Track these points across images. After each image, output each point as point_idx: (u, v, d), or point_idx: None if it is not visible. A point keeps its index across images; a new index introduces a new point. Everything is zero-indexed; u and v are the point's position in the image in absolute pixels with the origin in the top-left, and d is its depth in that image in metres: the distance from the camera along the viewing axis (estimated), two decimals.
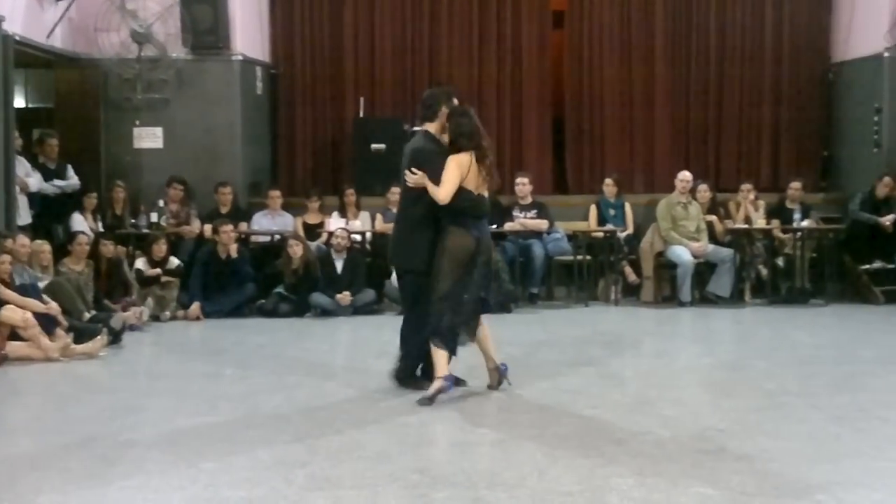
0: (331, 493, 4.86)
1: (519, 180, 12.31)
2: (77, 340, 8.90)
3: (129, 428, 6.31)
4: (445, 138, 6.96)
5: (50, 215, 11.45)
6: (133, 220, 12.10)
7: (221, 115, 12.74)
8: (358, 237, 12.25)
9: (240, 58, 12.82)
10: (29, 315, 8.70)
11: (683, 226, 12.05)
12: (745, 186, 12.72)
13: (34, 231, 10.74)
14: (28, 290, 9.08)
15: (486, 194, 7.01)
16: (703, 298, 12.03)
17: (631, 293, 12.39)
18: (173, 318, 11.16)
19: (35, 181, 11.17)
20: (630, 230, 12.76)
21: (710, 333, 10.69)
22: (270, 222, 12.49)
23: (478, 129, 6.96)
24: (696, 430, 6.02)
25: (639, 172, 14.12)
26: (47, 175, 11.49)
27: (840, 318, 11.25)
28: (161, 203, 12.12)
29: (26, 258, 9.71)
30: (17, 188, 10.78)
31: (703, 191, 12.49)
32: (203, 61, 12.67)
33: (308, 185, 13.52)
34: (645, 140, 14.15)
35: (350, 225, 12.22)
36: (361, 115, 13.64)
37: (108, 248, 10.89)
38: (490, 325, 7.12)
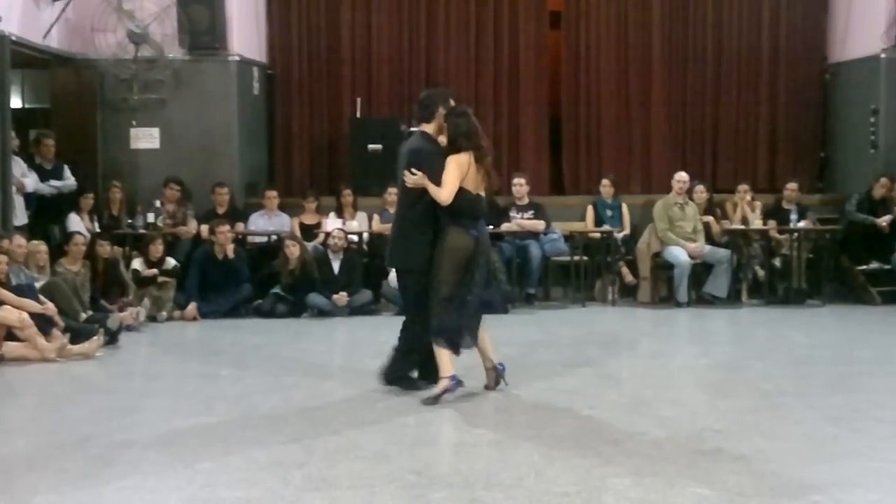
0: (327, 494, 4.86)
1: (516, 181, 12.30)
2: (73, 341, 8.89)
3: (125, 428, 6.30)
4: (443, 139, 6.97)
5: (46, 216, 11.44)
6: (130, 221, 12.09)
7: (218, 116, 12.73)
8: (355, 238, 12.25)
9: (236, 58, 12.82)
10: (25, 315, 8.69)
11: (680, 226, 12.06)
12: (742, 187, 12.72)
13: (31, 231, 10.73)
14: (24, 291, 9.07)
15: (483, 194, 7.01)
16: (700, 299, 12.04)
17: (628, 294, 12.40)
18: (170, 318, 11.15)
19: (31, 181, 11.16)
20: (627, 231, 12.77)
21: (706, 334, 10.69)
22: (267, 223, 12.49)
23: (476, 130, 6.96)
24: (692, 431, 6.02)
25: (636, 173, 14.13)
26: (44, 175, 11.48)
27: (837, 318, 11.26)
28: (158, 203, 12.12)
29: (23, 258, 9.70)
30: (14, 188, 10.77)
31: (700, 191, 12.49)
32: (200, 62, 12.66)
33: (305, 186, 13.52)
34: (642, 141, 14.16)
35: (347, 225, 12.22)
36: (358, 115, 13.64)
37: (105, 249, 10.88)
38: (487, 326, 7.11)
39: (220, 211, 12.27)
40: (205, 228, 11.94)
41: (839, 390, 7.30)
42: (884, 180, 12.36)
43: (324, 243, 11.94)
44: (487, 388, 7.09)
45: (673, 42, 14.15)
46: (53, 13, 11.91)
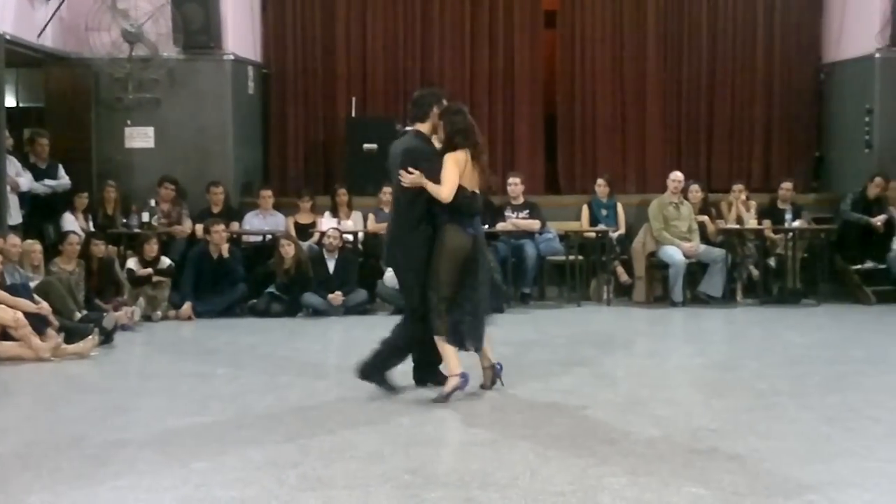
0: (322, 494, 4.85)
1: (511, 180, 12.30)
2: (68, 340, 8.88)
3: (120, 428, 6.29)
4: (436, 139, 6.97)
5: (41, 215, 11.43)
6: (124, 220, 12.07)
7: (213, 115, 12.72)
8: (350, 237, 12.24)
9: (231, 57, 12.80)
10: (20, 315, 8.68)
11: (675, 226, 12.07)
12: (737, 187, 12.74)
13: (25, 231, 10.72)
14: (19, 290, 9.06)
15: (478, 192, 7.02)
16: (695, 298, 12.05)
17: (623, 293, 12.41)
18: (165, 317, 11.14)
19: (26, 181, 11.15)
20: (622, 230, 12.77)
21: (701, 333, 10.70)
22: (262, 222, 12.47)
23: (472, 127, 6.98)
24: (687, 430, 6.03)
25: (631, 173, 14.14)
26: (38, 175, 11.46)
27: (831, 318, 11.28)
28: (152, 203, 12.09)
29: (17, 258, 9.70)
30: (8, 188, 10.76)
31: (695, 191, 12.50)
32: (194, 61, 12.65)
33: (300, 185, 13.51)
34: (637, 140, 14.17)
35: (342, 225, 12.21)
36: (353, 114, 13.64)
37: (100, 248, 10.87)
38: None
39: (215, 210, 12.25)
40: (200, 228, 11.92)
41: (834, 390, 7.31)
42: (878, 180, 12.37)
43: (319, 243, 11.93)
44: (483, 387, 7.09)
45: (668, 42, 14.15)
46: (48, 12, 11.89)
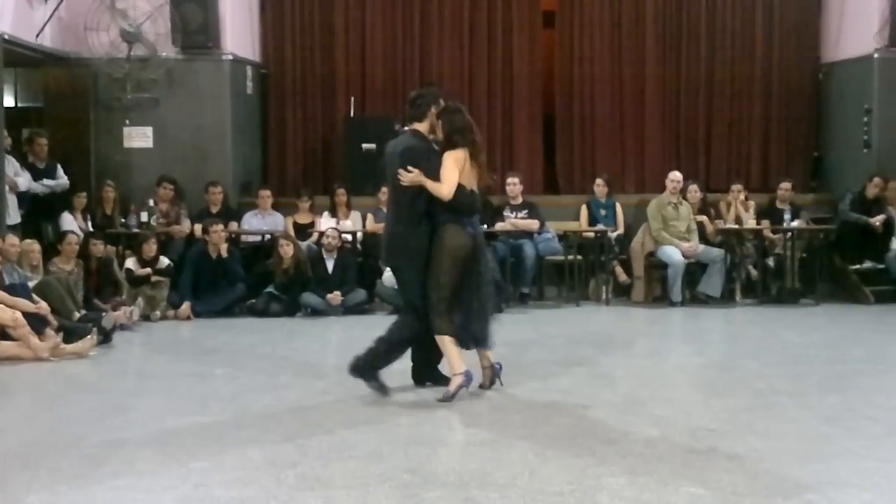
0: (321, 493, 4.85)
1: (510, 180, 12.30)
2: (67, 340, 8.87)
3: (118, 428, 6.29)
4: (433, 138, 6.97)
5: (39, 215, 11.43)
6: (123, 220, 12.07)
7: (211, 115, 12.71)
8: (349, 237, 12.23)
9: (230, 57, 12.80)
10: (18, 315, 8.67)
11: (674, 226, 12.07)
12: (736, 187, 12.75)
13: (24, 230, 10.72)
14: (17, 290, 9.06)
15: (476, 190, 7.03)
16: (694, 298, 12.05)
17: (622, 293, 12.41)
18: (163, 317, 11.14)
19: (24, 180, 11.14)
20: (621, 230, 12.77)
21: (700, 333, 10.71)
22: (261, 222, 12.47)
23: (471, 126, 7.00)
24: (686, 430, 6.03)
25: (629, 173, 14.14)
26: (36, 174, 11.46)
27: (830, 317, 11.28)
28: (151, 202, 12.09)
29: (16, 258, 9.70)
30: (7, 187, 10.75)
31: (694, 191, 12.50)
32: (193, 61, 12.64)
33: (298, 185, 13.50)
34: (636, 140, 14.17)
35: (341, 225, 12.20)
36: (352, 114, 13.63)
37: (98, 248, 10.87)
38: None
39: (214, 210, 12.25)
40: (198, 228, 11.92)
41: (833, 389, 7.31)
42: (877, 180, 12.38)
43: (318, 242, 11.93)
44: (482, 386, 7.08)
45: (667, 42, 14.15)
46: (46, 12, 11.89)
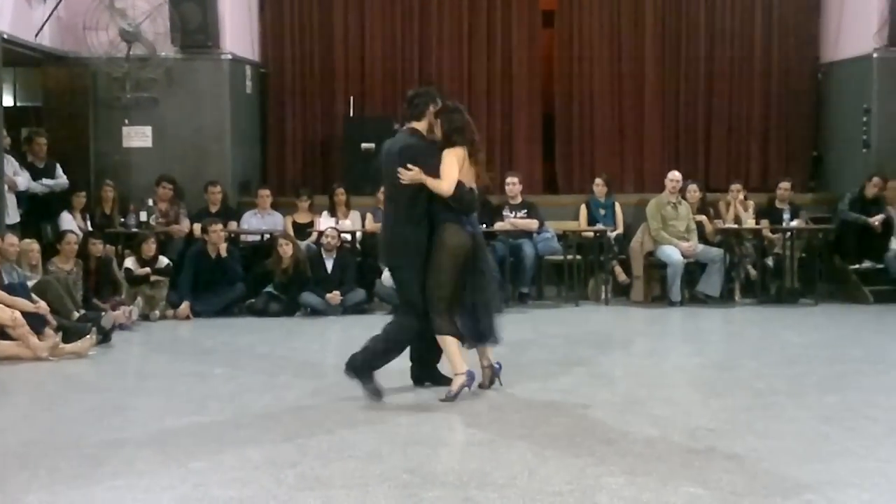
0: (321, 493, 4.85)
1: (509, 180, 12.29)
2: (66, 340, 8.87)
3: (117, 427, 6.29)
4: (432, 137, 6.97)
5: (39, 214, 11.43)
6: (122, 219, 12.07)
7: (211, 114, 12.72)
8: (348, 236, 12.23)
9: (229, 57, 12.80)
10: (18, 314, 8.67)
11: (673, 226, 12.07)
12: (735, 186, 12.75)
13: (23, 230, 10.71)
14: (17, 290, 9.06)
15: (475, 189, 7.03)
16: (693, 298, 12.05)
17: (621, 293, 12.41)
18: (162, 317, 11.13)
19: (23, 180, 11.14)
20: (620, 230, 12.77)
21: (699, 333, 10.71)
22: (260, 221, 12.47)
23: (470, 125, 7.00)
24: (686, 430, 6.03)
25: (629, 172, 14.15)
26: (36, 174, 11.46)
27: (829, 317, 11.28)
28: (150, 202, 12.09)
29: (15, 257, 9.69)
30: (6, 187, 10.75)
31: (693, 191, 12.51)
32: (192, 60, 12.64)
33: (298, 185, 13.50)
34: (635, 140, 14.18)
35: (340, 224, 12.20)
36: (351, 114, 13.64)
37: (97, 248, 10.86)
38: None
39: (213, 210, 12.25)
40: (197, 227, 11.92)
41: (832, 389, 7.31)
42: (876, 179, 12.38)
43: (317, 242, 11.93)
44: (482, 386, 7.08)
45: (666, 41, 14.16)
46: (45, 11, 11.89)
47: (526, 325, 10.54)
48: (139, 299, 10.98)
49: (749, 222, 12.47)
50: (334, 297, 11.25)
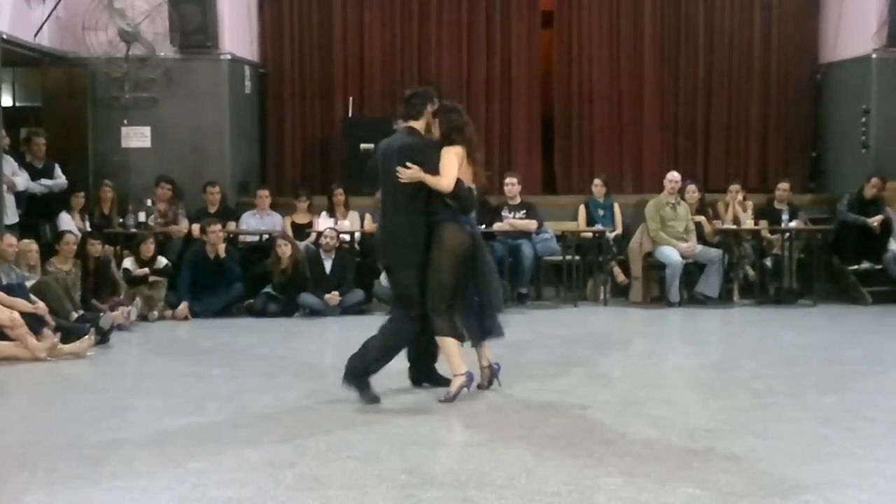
0: (319, 494, 4.85)
1: (508, 180, 12.29)
2: (64, 340, 8.87)
3: (116, 428, 6.29)
4: (429, 137, 6.98)
5: (37, 214, 11.42)
6: (121, 220, 12.06)
7: (210, 115, 12.72)
8: (347, 237, 12.23)
9: (228, 57, 12.79)
10: (16, 315, 8.67)
11: (672, 226, 12.06)
12: (734, 187, 12.74)
13: (21, 230, 10.72)
14: (15, 290, 9.05)
15: (474, 188, 7.04)
16: (692, 299, 12.04)
17: (620, 293, 12.40)
18: (161, 317, 11.13)
19: (22, 180, 11.14)
20: (619, 230, 12.77)
21: (698, 334, 10.70)
22: (259, 222, 12.47)
23: (468, 124, 7.01)
24: (684, 431, 6.03)
25: (627, 173, 14.16)
26: (34, 174, 11.46)
27: (828, 318, 11.28)
28: (149, 202, 12.09)
29: (13, 257, 9.68)
30: (4, 187, 10.74)
31: (692, 191, 12.50)
32: (191, 60, 12.64)
33: (297, 185, 13.49)
34: (634, 140, 14.19)
35: (339, 225, 12.20)
36: (350, 114, 13.64)
37: (96, 248, 10.86)
38: None
39: (212, 210, 12.25)
40: (196, 227, 11.92)
41: (831, 390, 7.32)
42: (875, 180, 12.38)
43: (316, 243, 11.93)
44: (481, 387, 7.08)
45: (665, 42, 14.17)
46: (44, 11, 11.89)
47: (524, 326, 10.53)
48: (138, 300, 10.97)
49: (748, 223, 12.46)
50: (333, 297, 11.25)
